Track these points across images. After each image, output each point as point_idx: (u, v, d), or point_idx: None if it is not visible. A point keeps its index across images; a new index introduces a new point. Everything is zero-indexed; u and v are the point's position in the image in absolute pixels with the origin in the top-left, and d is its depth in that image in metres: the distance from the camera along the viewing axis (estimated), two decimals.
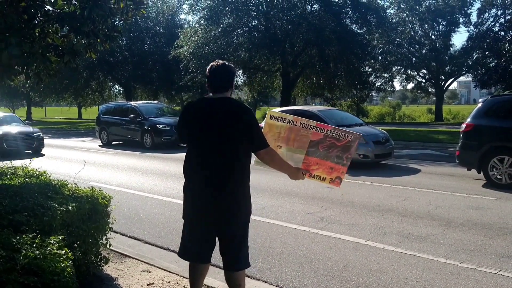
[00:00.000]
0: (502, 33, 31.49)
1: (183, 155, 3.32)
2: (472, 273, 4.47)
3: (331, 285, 4.27)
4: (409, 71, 40.67)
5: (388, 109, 50.38)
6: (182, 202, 3.30)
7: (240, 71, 29.16)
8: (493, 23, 35.17)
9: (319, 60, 24.17)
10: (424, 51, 38.75)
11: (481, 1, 35.48)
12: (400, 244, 5.36)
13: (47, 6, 4.50)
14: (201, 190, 3.10)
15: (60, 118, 58.35)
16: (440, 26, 37.88)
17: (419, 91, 44.49)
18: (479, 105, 9.35)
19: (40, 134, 16.15)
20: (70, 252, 3.09)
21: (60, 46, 4.79)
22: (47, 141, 18.50)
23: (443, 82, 39.65)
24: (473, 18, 37.11)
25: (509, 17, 31.91)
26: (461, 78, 47.42)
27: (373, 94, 52.94)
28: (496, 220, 6.30)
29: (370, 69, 34.92)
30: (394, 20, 36.46)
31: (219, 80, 3.13)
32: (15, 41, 3.99)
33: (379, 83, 38.67)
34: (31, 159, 5.28)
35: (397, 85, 62.41)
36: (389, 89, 41.01)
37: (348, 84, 26.32)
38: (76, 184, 4.62)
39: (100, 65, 32.26)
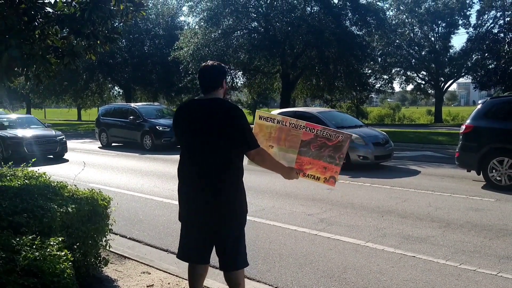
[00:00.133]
0: (502, 34, 31.55)
1: None
2: (472, 274, 4.47)
3: (331, 287, 4.27)
4: (408, 73, 40.66)
5: (388, 111, 50.41)
6: None
7: (240, 72, 29.16)
8: (492, 25, 35.21)
9: (318, 61, 24.17)
10: (423, 53, 38.76)
11: (480, 3, 35.50)
12: (400, 246, 5.36)
13: (47, 8, 4.51)
14: (194, 191, 3.12)
15: (60, 120, 58.34)
16: (440, 28, 37.89)
17: (418, 92, 44.48)
18: (479, 106, 9.36)
19: (63, 138, 15.04)
20: (69, 253, 3.09)
21: (60, 47, 4.79)
22: None
23: (442, 84, 39.65)
24: (473, 20, 37.10)
25: (508, 18, 31.93)
26: (461, 80, 47.37)
27: (373, 95, 52.92)
28: (496, 222, 6.30)
29: (369, 71, 34.91)
30: (394, 22, 36.44)
31: (208, 80, 3.15)
32: (15, 42, 3.99)
33: (379, 85, 38.68)
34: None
35: (396, 86, 62.55)
36: (389, 90, 41.01)
37: (348, 85, 26.30)
38: (75, 185, 4.62)
39: (100, 66, 32.26)
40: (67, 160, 14.37)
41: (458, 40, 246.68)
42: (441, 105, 41.58)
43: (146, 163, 13.30)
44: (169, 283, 4.26)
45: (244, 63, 25.82)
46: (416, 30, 38.90)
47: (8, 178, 4.68)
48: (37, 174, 4.92)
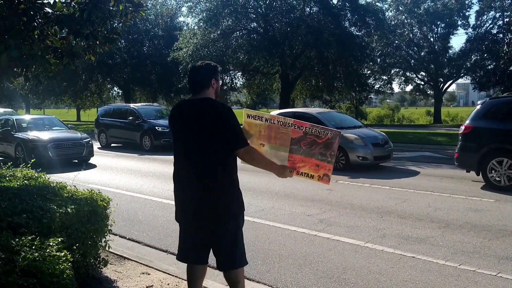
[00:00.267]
0: (501, 35, 31.62)
1: None
2: (471, 275, 4.47)
3: (330, 287, 4.26)
4: (407, 74, 40.71)
5: (387, 111, 50.45)
6: None
7: (239, 73, 29.16)
8: (491, 26, 35.30)
9: (318, 62, 24.17)
10: (422, 54, 38.80)
11: (479, 4, 35.57)
12: (399, 246, 5.36)
13: (47, 8, 4.51)
14: (188, 192, 3.13)
15: None
16: (439, 29, 37.92)
17: (417, 93, 44.55)
18: (478, 107, 9.36)
19: (90, 141, 13.66)
20: (69, 254, 3.09)
21: (59, 48, 4.80)
22: None
23: (441, 84, 39.69)
24: (472, 21, 37.14)
25: (507, 19, 31.93)
26: (460, 80, 47.50)
27: (372, 96, 52.94)
28: (495, 222, 6.30)
29: (369, 72, 34.90)
30: (393, 23, 36.47)
31: (193, 80, 3.18)
32: (14, 43, 3.99)
33: (378, 85, 38.73)
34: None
35: (395, 87, 62.50)
36: (388, 91, 41.05)
37: (347, 86, 26.31)
38: (75, 186, 4.62)
39: (99, 67, 32.22)
40: (95, 166, 13.03)
41: (457, 41, 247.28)
42: (440, 106, 41.63)
43: (145, 164, 13.30)
44: (168, 284, 4.26)
45: (243, 64, 25.81)
46: (415, 30, 38.95)
47: (7, 178, 4.68)
48: (36, 175, 4.92)
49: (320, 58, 23.57)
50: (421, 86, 42.11)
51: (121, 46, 31.96)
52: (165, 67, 32.09)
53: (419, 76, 41.13)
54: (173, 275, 4.45)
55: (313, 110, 14.80)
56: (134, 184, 9.88)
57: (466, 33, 37.22)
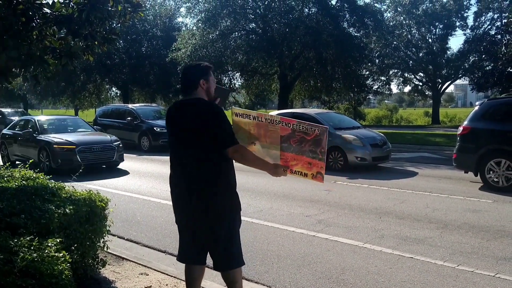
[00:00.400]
0: (499, 36, 31.62)
1: None
2: (469, 275, 4.47)
3: None
4: (406, 74, 40.76)
5: (385, 112, 50.47)
6: None
7: (237, 74, 29.16)
8: (489, 27, 35.35)
9: (316, 63, 24.18)
10: (421, 54, 38.85)
11: (477, 5, 35.64)
12: (397, 247, 5.36)
13: (45, 9, 4.51)
14: (181, 194, 3.16)
15: None
16: (437, 30, 37.97)
17: (416, 94, 44.61)
18: (476, 108, 9.37)
19: (120, 144, 12.45)
20: (67, 254, 3.08)
21: (58, 48, 4.79)
22: None
23: (440, 85, 39.74)
24: (470, 22, 37.47)
25: (505, 20, 31.99)
26: (458, 81, 47.56)
27: (370, 97, 52.92)
28: (493, 223, 6.31)
29: (367, 72, 34.92)
30: (391, 24, 36.52)
31: (182, 81, 3.23)
32: (13, 43, 4.00)
33: (376, 86, 38.72)
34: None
35: (394, 88, 62.47)
36: (386, 92, 41.06)
37: (346, 87, 26.34)
38: (73, 186, 4.61)
39: (97, 67, 32.16)
40: (127, 173, 11.84)
41: (456, 42, 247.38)
42: (438, 107, 41.66)
43: (144, 164, 13.29)
44: (167, 285, 4.25)
45: (242, 64, 25.82)
46: (413, 31, 39.00)
47: (5, 179, 4.67)
48: (34, 175, 4.91)
49: (319, 59, 23.58)
50: (419, 87, 42.17)
51: (119, 46, 31.92)
52: (163, 67, 32.06)
53: (417, 77, 41.20)
54: (172, 276, 4.45)
55: (311, 110, 14.82)
56: (132, 184, 9.88)
57: (464, 34, 37.35)
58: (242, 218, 3.36)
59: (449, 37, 38.02)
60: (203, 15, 23.94)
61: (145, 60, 33.49)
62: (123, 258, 4.97)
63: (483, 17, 35.66)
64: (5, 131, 14.29)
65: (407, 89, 45.35)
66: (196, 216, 3.11)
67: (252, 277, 4.52)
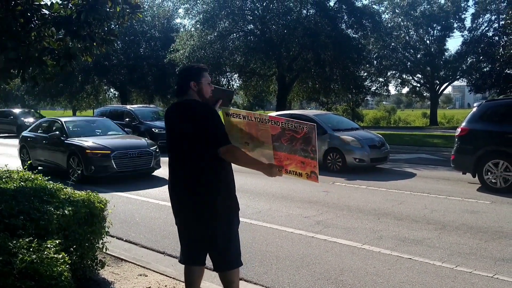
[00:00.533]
0: (496, 38, 31.75)
1: None
2: (467, 276, 4.48)
3: None
4: (404, 76, 40.79)
5: (383, 113, 50.48)
6: None
7: (236, 75, 29.17)
8: (487, 28, 35.38)
9: (314, 64, 24.21)
10: (419, 56, 38.90)
11: (475, 6, 35.69)
12: (396, 248, 5.37)
13: (44, 10, 4.51)
14: (177, 194, 3.19)
15: None
16: (435, 31, 38.03)
17: (414, 95, 44.63)
18: (474, 109, 9.40)
19: (156, 148, 11.34)
20: (67, 256, 3.08)
21: (56, 49, 4.79)
22: None
23: (437, 87, 39.80)
24: (468, 23, 37.54)
25: (503, 22, 32.10)
26: (456, 83, 47.63)
27: (368, 98, 53.05)
28: (491, 224, 6.33)
29: (365, 74, 34.97)
30: (389, 25, 36.54)
31: (177, 84, 3.28)
32: (11, 44, 4.00)
33: (374, 88, 38.74)
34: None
35: (392, 89, 62.53)
36: (384, 93, 41.13)
37: (344, 88, 26.39)
38: (72, 188, 4.61)
39: (96, 68, 32.14)
40: (165, 181, 9.96)
41: (453, 43, 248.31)
42: (436, 108, 41.75)
43: None
44: (166, 286, 4.25)
45: (240, 66, 25.83)
46: (411, 33, 39.05)
47: (3, 180, 4.66)
48: (32, 177, 4.90)
49: (317, 60, 23.61)
50: (417, 88, 42.21)
51: (117, 47, 31.88)
52: (161, 68, 32.05)
53: (415, 78, 41.24)
54: (171, 277, 4.45)
55: (310, 112, 14.83)
56: (130, 185, 9.86)
57: (462, 36, 37.36)
58: (241, 219, 3.37)
59: (447, 38, 38.09)
60: (201, 16, 23.94)
61: (143, 61, 33.46)
62: (122, 259, 4.96)
63: (481, 19, 35.70)
64: (25, 133, 12.93)
65: (405, 90, 45.37)
66: (194, 217, 3.12)
67: (251, 278, 4.52)
